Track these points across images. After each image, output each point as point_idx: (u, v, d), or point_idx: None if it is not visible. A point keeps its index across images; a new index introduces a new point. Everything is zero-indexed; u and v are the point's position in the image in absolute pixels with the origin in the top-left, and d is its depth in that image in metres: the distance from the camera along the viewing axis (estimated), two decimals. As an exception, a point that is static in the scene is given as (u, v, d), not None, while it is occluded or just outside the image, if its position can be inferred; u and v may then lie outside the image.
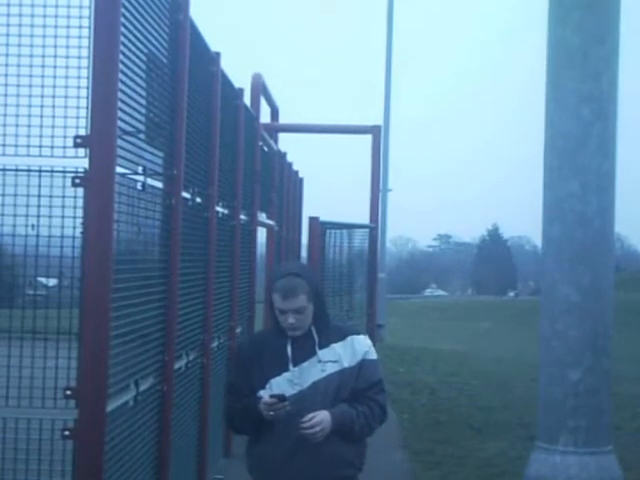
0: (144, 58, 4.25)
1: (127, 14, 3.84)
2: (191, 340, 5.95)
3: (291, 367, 4.18)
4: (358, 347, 4.27)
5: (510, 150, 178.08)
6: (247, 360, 4.29)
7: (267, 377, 4.19)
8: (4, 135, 3.93)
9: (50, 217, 3.98)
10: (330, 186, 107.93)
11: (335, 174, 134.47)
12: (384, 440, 8.58)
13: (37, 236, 4.07)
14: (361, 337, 4.35)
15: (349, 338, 4.28)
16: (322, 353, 4.22)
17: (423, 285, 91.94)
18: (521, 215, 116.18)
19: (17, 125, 3.92)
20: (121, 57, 3.72)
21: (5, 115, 3.95)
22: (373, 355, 4.32)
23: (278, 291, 4.19)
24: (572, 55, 3.51)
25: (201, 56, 6.13)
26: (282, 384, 4.17)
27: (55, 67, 3.89)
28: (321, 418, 4.06)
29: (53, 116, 3.87)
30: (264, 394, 4.12)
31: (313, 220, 10.55)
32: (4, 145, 3.93)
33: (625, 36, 3.64)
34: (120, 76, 3.71)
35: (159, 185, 4.77)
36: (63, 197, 3.91)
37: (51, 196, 3.97)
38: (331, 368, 4.20)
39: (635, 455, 8.74)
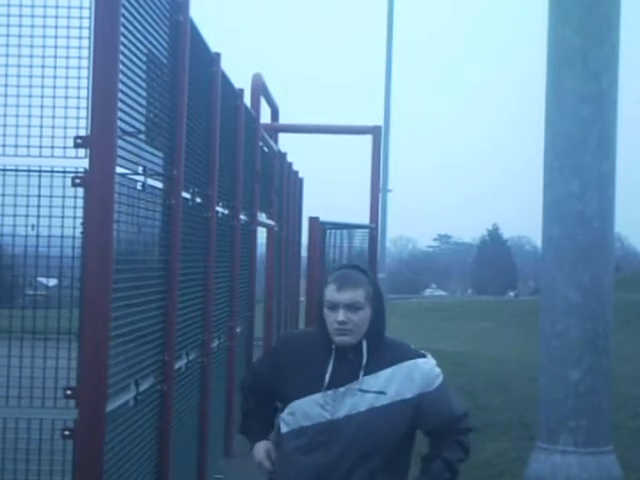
0: (144, 58, 4.25)
1: (127, 14, 3.84)
2: (191, 340, 5.95)
3: (324, 389, 3.52)
4: (417, 375, 3.54)
5: (510, 150, 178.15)
6: (277, 361, 3.69)
7: (296, 391, 3.57)
8: (4, 135, 3.94)
9: (50, 217, 3.99)
10: (330, 186, 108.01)
11: (335, 174, 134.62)
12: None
13: (37, 236, 4.08)
14: (421, 361, 3.59)
15: (406, 364, 3.55)
16: (367, 380, 3.51)
17: (423, 285, 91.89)
18: (521, 215, 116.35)
19: (17, 125, 3.93)
20: (121, 57, 3.72)
21: (5, 115, 3.96)
22: (437, 382, 3.58)
23: (333, 281, 3.55)
24: (572, 55, 3.51)
25: (201, 56, 6.13)
26: (309, 405, 3.53)
27: (55, 67, 3.90)
28: None
29: (53, 116, 3.88)
30: (285, 421, 3.61)
31: (313, 220, 10.55)
32: (4, 145, 3.94)
33: (625, 36, 3.64)
34: (120, 76, 3.71)
35: (159, 185, 4.77)
36: (63, 197, 3.92)
37: (51, 196, 3.98)
38: (375, 401, 3.49)
39: (635, 455, 8.74)
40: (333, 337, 3.52)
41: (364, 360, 3.51)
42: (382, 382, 3.51)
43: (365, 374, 3.51)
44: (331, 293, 3.53)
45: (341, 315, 3.48)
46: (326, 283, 3.59)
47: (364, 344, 3.53)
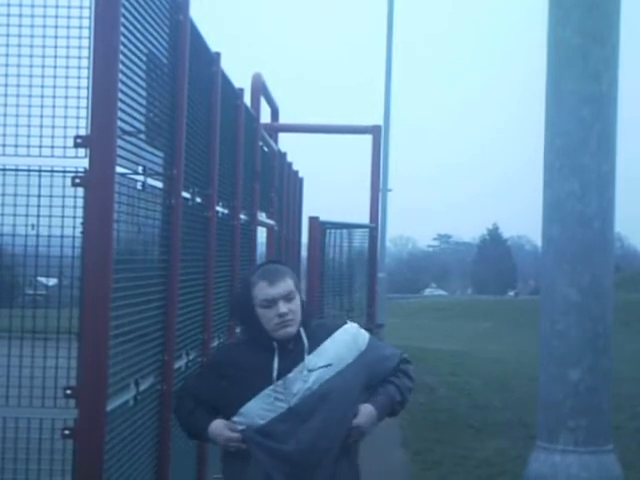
0: (144, 58, 4.25)
1: (127, 14, 3.84)
2: (191, 340, 5.95)
3: (274, 381, 3.63)
4: (349, 339, 3.75)
5: (510, 150, 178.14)
6: (218, 373, 3.77)
7: (244, 395, 3.67)
8: (4, 135, 3.94)
9: (50, 217, 3.99)
10: (330, 186, 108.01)
11: (335, 174, 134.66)
12: (383, 439, 8.58)
13: (37, 236, 4.07)
14: (347, 327, 3.82)
15: (337, 333, 3.75)
16: (311, 359, 3.66)
17: (423, 285, 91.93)
18: (521, 215, 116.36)
19: (17, 125, 3.92)
20: (121, 57, 3.72)
21: (5, 115, 3.96)
22: (366, 339, 3.79)
23: (262, 278, 3.65)
24: (572, 55, 3.51)
25: (201, 56, 6.13)
26: (264, 402, 3.62)
27: (55, 67, 3.90)
28: (366, 420, 3.68)
29: (53, 116, 3.87)
30: (242, 424, 3.67)
31: (313, 220, 10.55)
32: (4, 145, 3.94)
33: (625, 36, 3.64)
34: (120, 76, 3.71)
35: (159, 185, 4.77)
36: (63, 197, 3.92)
37: (51, 196, 3.97)
38: (324, 375, 3.66)
39: (635, 455, 8.75)
40: (275, 333, 3.64)
41: (306, 344, 3.65)
42: (324, 356, 3.66)
43: (308, 354, 3.65)
44: (264, 291, 3.64)
45: (282, 307, 3.60)
46: (252, 284, 3.65)
47: (302, 331, 3.67)
